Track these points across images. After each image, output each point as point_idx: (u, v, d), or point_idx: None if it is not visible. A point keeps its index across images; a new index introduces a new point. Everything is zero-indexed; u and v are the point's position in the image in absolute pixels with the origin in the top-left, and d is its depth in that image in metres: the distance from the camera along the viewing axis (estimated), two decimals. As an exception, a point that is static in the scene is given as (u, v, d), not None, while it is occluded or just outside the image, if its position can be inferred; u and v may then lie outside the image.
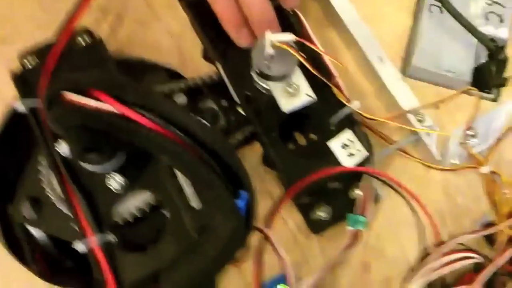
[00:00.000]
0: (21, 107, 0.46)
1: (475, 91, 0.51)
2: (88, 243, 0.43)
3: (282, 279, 0.46)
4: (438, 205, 0.52)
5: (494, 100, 0.56)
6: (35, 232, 0.48)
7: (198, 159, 0.38)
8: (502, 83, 0.54)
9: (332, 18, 0.56)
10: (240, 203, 0.40)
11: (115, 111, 0.38)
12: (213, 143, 0.39)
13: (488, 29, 0.56)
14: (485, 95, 0.55)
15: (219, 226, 0.40)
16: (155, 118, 0.38)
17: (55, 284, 0.47)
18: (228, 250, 0.40)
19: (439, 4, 0.55)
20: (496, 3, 0.57)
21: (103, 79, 0.39)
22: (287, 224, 0.50)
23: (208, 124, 0.43)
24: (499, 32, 0.56)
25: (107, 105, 0.38)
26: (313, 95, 0.47)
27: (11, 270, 0.47)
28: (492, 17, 0.57)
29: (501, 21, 0.56)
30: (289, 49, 0.45)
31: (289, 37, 0.45)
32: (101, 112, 0.38)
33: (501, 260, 0.47)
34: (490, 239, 0.50)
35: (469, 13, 0.54)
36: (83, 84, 0.38)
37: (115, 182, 0.45)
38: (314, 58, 0.49)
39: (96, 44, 0.49)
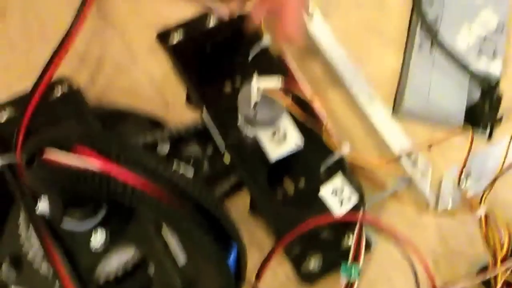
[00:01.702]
0: (-4, 162, 0.45)
1: (468, 131, 0.50)
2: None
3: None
4: (431, 249, 0.51)
5: (488, 139, 0.55)
6: (15, 293, 0.47)
7: (186, 215, 0.38)
8: (495, 121, 0.54)
9: (320, 58, 0.56)
10: (230, 257, 0.39)
11: (100, 168, 0.37)
12: (200, 197, 0.38)
13: (480, 65, 0.55)
14: (479, 133, 0.55)
15: (207, 284, 0.40)
16: (141, 174, 0.37)
17: None
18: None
19: (430, 42, 0.55)
20: (489, 38, 0.57)
21: (85, 135, 0.38)
22: (277, 276, 0.49)
23: (192, 176, 0.42)
24: (492, 67, 0.56)
25: (91, 162, 0.37)
26: (301, 141, 0.47)
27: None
28: (485, 52, 0.56)
29: (494, 56, 0.56)
30: (277, 96, 0.45)
31: (277, 83, 0.45)
32: (85, 171, 0.37)
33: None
34: (487, 283, 0.50)
35: (460, 50, 0.54)
36: (66, 139, 0.37)
37: (97, 239, 0.45)
38: (302, 101, 0.49)
39: (74, 94, 0.48)
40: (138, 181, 0.37)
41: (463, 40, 0.57)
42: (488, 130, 0.55)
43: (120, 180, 0.36)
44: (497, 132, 0.56)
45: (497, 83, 0.56)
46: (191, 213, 0.38)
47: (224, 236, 0.40)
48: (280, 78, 0.45)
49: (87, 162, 0.37)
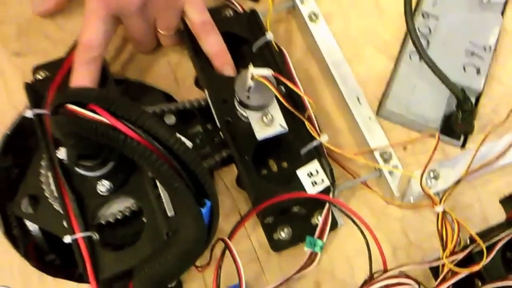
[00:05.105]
0: (29, 113, 0.57)
1: (439, 135, 0.58)
2: (75, 237, 0.53)
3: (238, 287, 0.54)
4: (392, 238, 0.60)
5: (462, 146, 0.64)
6: (30, 226, 0.59)
7: (171, 168, 0.46)
8: (468, 130, 0.62)
9: (316, 55, 0.66)
10: (204, 210, 0.48)
11: (107, 122, 0.46)
12: (184, 154, 0.46)
13: (464, 80, 0.63)
14: (453, 141, 0.64)
15: (184, 230, 0.48)
16: (138, 130, 0.45)
17: (41, 271, 0.57)
18: (190, 252, 0.49)
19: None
20: (475, 55, 0.65)
21: (101, 96, 0.48)
22: (250, 240, 0.59)
23: (188, 142, 0.52)
24: (474, 83, 0.64)
25: (101, 117, 0.46)
26: (286, 126, 0.57)
27: (7, 254, 0.58)
28: (470, 68, 0.65)
29: (478, 72, 0.65)
30: (267, 83, 0.55)
31: (268, 72, 0.55)
32: (95, 122, 0.46)
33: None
34: (436, 273, 0.58)
35: (448, 64, 0.61)
36: (84, 98, 0.46)
37: (103, 186, 0.55)
38: (291, 92, 0.59)
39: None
40: (137, 135, 0.46)
41: (451, 53, 0.65)
42: (461, 140, 0.64)
43: (121, 132, 0.45)
44: (471, 141, 0.64)
45: (479, 96, 0.64)
46: (175, 166, 0.46)
47: (202, 193, 0.48)
48: (270, 70, 0.55)
49: (99, 116, 0.47)
